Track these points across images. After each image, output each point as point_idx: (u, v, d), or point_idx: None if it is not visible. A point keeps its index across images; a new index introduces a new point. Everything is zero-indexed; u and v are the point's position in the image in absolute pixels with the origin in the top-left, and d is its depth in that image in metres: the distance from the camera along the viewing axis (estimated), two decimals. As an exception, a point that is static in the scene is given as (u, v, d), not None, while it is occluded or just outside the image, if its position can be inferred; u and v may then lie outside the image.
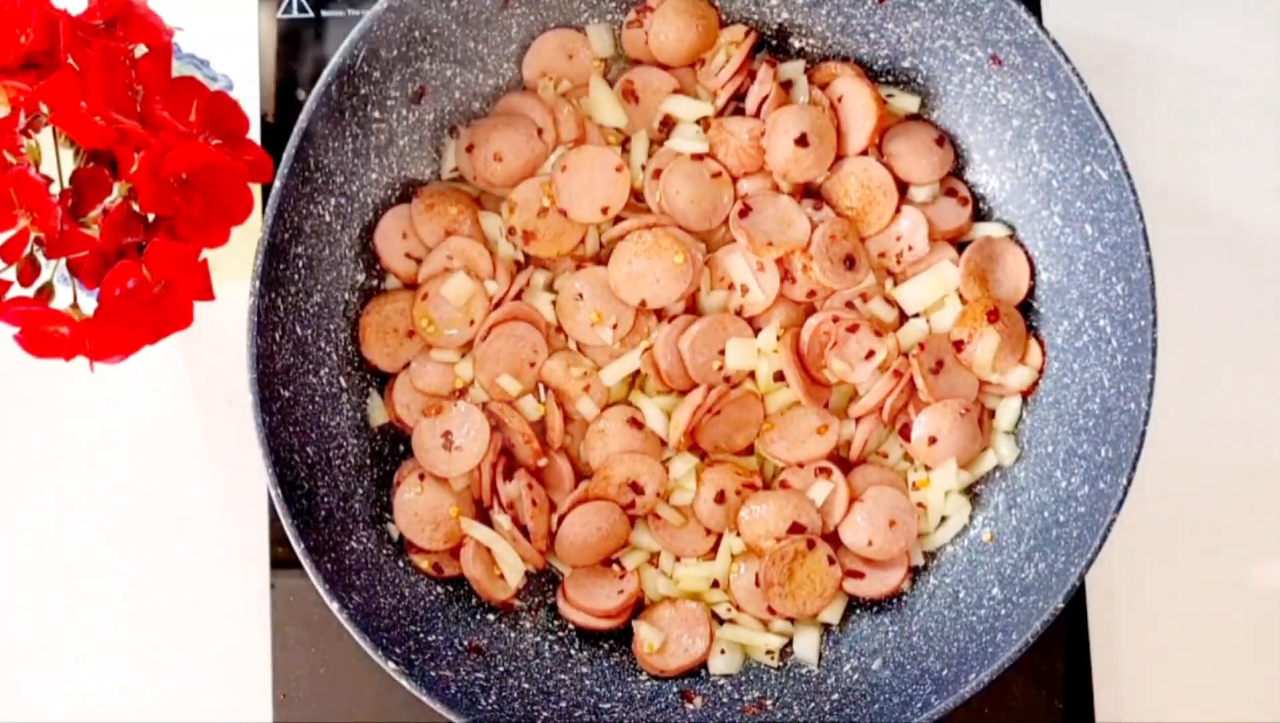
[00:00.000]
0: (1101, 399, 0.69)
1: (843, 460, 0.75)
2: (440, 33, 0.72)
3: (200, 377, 0.81)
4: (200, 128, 0.63)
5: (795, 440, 0.74)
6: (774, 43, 0.78)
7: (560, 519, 0.73)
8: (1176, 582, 0.80)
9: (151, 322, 0.63)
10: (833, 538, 0.74)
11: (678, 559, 0.74)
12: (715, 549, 0.74)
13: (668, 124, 0.77)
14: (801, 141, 0.74)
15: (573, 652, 0.74)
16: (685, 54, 0.76)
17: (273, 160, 0.66)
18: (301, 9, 0.83)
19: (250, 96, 0.82)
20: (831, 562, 0.73)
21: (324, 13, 0.83)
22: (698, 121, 0.77)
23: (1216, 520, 0.80)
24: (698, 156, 0.75)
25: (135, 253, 0.62)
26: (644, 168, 0.76)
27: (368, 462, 0.73)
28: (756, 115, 0.76)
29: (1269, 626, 0.79)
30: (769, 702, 0.71)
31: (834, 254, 0.74)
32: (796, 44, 0.78)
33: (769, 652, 0.73)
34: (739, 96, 0.77)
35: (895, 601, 0.74)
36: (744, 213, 0.74)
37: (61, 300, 0.62)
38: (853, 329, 0.73)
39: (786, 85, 0.77)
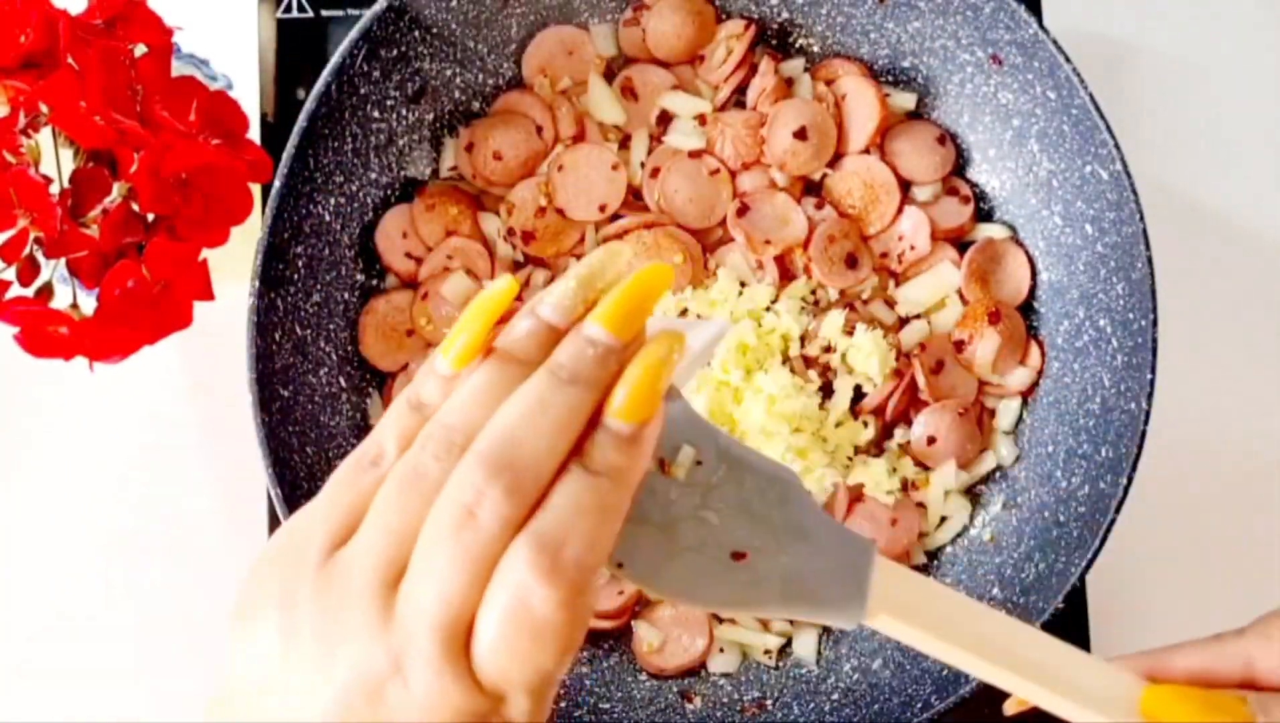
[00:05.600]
0: (1101, 399, 0.69)
1: (843, 460, 0.75)
2: (440, 33, 0.72)
3: (200, 377, 0.81)
4: (200, 128, 0.63)
5: (795, 441, 0.74)
6: (774, 42, 0.78)
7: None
8: (1176, 582, 0.80)
9: (151, 322, 0.63)
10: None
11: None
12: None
13: (665, 120, 0.77)
14: (800, 135, 0.74)
15: (572, 652, 0.73)
16: (683, 50, 0.76)
17: (273, 160, 0.66)
18: (301, 9, 0.83)
19: (250, 96, 0.82)
20: (831, 562, 0.73)
21: (324, 13, 0.83)
22: (695, 118, 0.77)
23: (1217, 520, 0.80)
24: (695, 154, 0.75)
25: (135, 253, 0.62)
26: (643, 165, 0.76)
27: (368, 462, 0.73)
28: (756, 109, 0.76)
29: (1269, 626, 0.79)
30: (769, 702, 0.71)
31: (834, 254, 0.74)
32: (796, 43, 0.78)
33: (767, 652, 0.73)
34: (740, 90, 0.77)
35: (895, 601, 0.74)
36: (742, 211, 0.74)
37: (61, 300, 0.62)
38: (850, 332, 0.73)
39: (789, 83, 0.77)
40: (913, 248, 0.75)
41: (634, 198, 0.76)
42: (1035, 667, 0.41)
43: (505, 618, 0.34)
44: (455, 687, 0.35)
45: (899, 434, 0.74)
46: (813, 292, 0.75)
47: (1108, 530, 0.64)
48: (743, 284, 0.74)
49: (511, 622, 0.34)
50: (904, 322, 0.75)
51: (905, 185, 0.76)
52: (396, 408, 0.38)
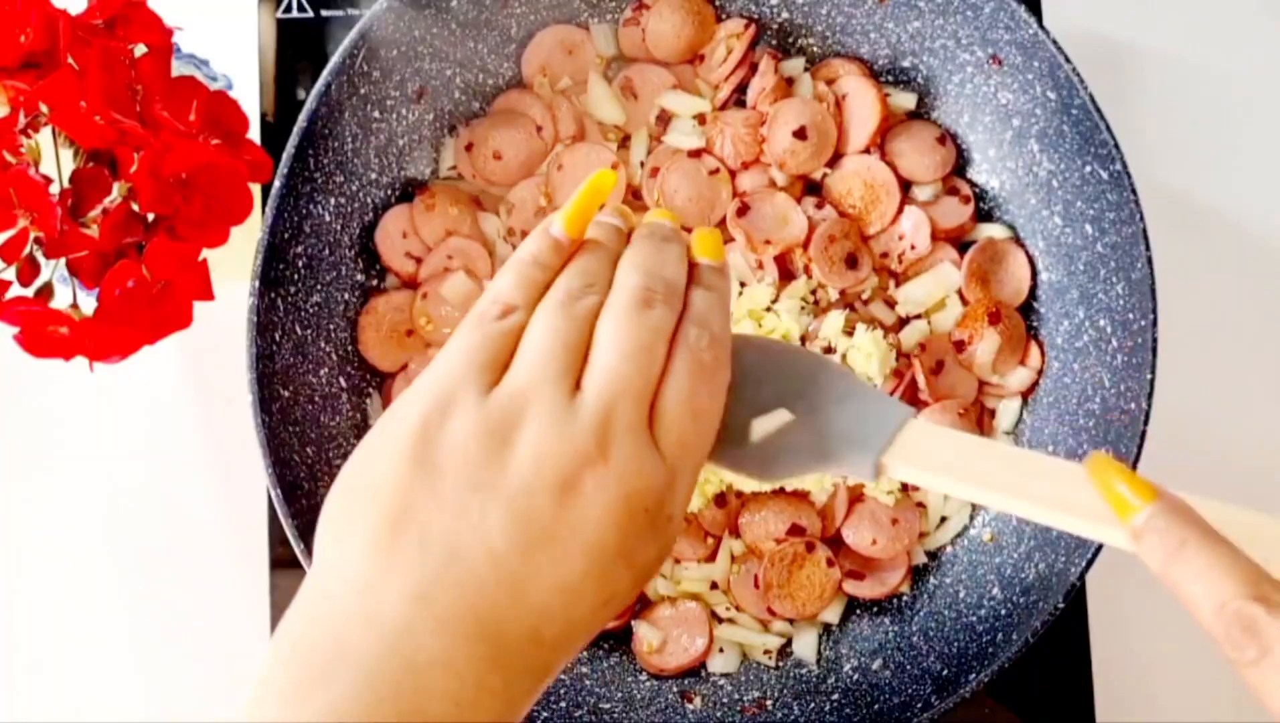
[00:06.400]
0: (1101, 399, 0.69)
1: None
2: (440, 32, 0.72)
3: (200, 377, 0.81)
4: (200, 128, 0.63)
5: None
6: (774, 42, 0.78)
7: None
8: (1177, 582, 0.80)
9: (151, 322, 0.63)
10: (835, 538, 0.74)
11: (677, 561, 0.74)
12: (715, 552, 0.74)
13: (665, 120, 0.77)
14: (800, 134, 0.74)
15: (572, 652, 0.73)
16: (683, 50, 0.76)
17: (273, 160, 0.66)
18: (301, 9, 0.83)
19: (250, 96, 0.82)
20: (831, 564, 0.73)
21: (324, 13, 0.83)
22: (695, 118, 0.77)
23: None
24: (695, 153, 0.75)
25: (135, 253, 0.62)
26: (642, 165, 0.76)
27: (368, 462, 0.73)
28: (756, 108, 0.76)
29: (1269, 626, 0.79)
30: (769, 702, 0.71)
31: (834, 253, 0.74)
32: (796, 43, 0.78)
33: (767, 651, 0.73)
34: (740, 89, 0.77)
35: (895, 601, 0.74)
36: (742, 211, 0.74)
37: (61, 300, 0.62)
38: (850, 332, 0.73)
39: (789, 83, 0.77)
40: (913, 248, 0.75)
41: (634, 197, 0.76)
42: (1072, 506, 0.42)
43: (690, 372, 0.41)
44: (650, 454, 0.39)
45: (899, 434, 0.74)
46: (813, 292, 0.75)
47: (1108, 531, 0.64)
48: (742, 284, 0.74)
49: (694, 375, 0.41)
50: (904, 322, 0.75)
51: (905, 185, 0.76)
52: (515, 269, 0.44)
